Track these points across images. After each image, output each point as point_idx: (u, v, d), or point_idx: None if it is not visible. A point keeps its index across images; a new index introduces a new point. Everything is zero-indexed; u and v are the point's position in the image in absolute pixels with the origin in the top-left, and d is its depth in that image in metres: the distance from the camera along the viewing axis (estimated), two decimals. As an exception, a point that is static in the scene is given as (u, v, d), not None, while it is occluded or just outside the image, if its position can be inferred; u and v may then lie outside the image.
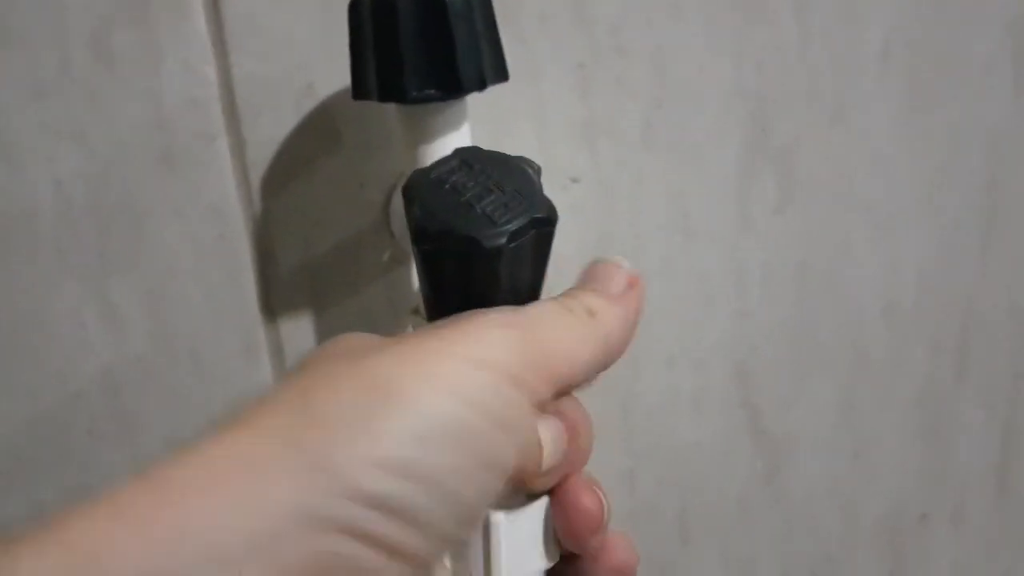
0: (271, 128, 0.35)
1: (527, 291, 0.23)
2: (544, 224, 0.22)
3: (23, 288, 0.36)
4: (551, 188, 0.37)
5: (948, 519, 0.45)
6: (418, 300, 0.35)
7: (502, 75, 0.29)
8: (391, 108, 0.34)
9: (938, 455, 0.44)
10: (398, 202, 0.36)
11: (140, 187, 0.35)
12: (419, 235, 0.22)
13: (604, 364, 0.25)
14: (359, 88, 0.30)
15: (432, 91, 0.28)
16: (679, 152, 0.37)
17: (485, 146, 0.34)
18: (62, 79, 0.33)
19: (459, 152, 0.24)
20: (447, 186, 0.22)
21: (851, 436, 0.43)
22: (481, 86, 0.28)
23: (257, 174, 0.36)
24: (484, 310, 0.22)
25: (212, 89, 0.34)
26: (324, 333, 0.38)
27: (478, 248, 0.21)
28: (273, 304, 0.37)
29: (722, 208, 0.38)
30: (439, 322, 0.23)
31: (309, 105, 0.35)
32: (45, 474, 0.38)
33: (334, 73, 0.34)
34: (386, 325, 0.38)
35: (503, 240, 0.21)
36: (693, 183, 0.37)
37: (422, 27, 0.27)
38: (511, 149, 0.36)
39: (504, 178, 0.23)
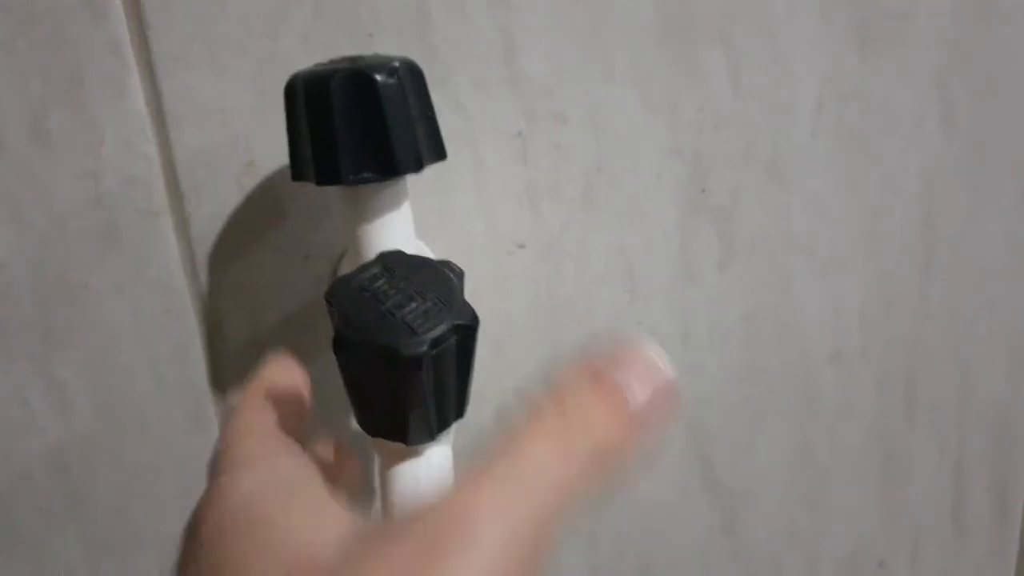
0: (214, 203, 0.35)
1: (453, 396, 0.23)
2: (465, 330, 0.22)
3: (-35, 370, 0.35)
4: (497, 254, 0.37)
5: (906, 564, 0.46)
6: None
7: (439, 154, 0.30)
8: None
9: (893, 497, 0.44)
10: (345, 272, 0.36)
11: (82, 265, 0.35)
12: (339, 344, 0.22)
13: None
14: (297, 170, 0.30)
15: (368, 174, 0.28)
16: (621, 212, 0.37)
17: (428, 217, 0.35)
18: (1, 160, 0.33)
19: (382, 257, 0.24)
20: (368, 294, 0.22)
21: (806, 483, 0.43)
22: (418, 167, 0.29)
23: (202, 249, 0.36)
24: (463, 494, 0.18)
25: (153, 166, 0.34)
26: (275, 402, 0.38)
27: (398, 357, 0.21)
28: (222, 377, 0.37)
29: (666, 265, 0.38)
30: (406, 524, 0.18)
31: (251, 180, 0.35)
32: (-6, 557, 0.38)
33: (274, 148, 0.35)
34: (337, 397, 0.38)
35: (423, 348, 0.21)
36: (636, 242, 0.38)
37: (355, 110, 0.28)
38: (454, 217, 0.36)
39: (426, 285, 0.23)
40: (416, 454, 0.25)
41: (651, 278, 0.38)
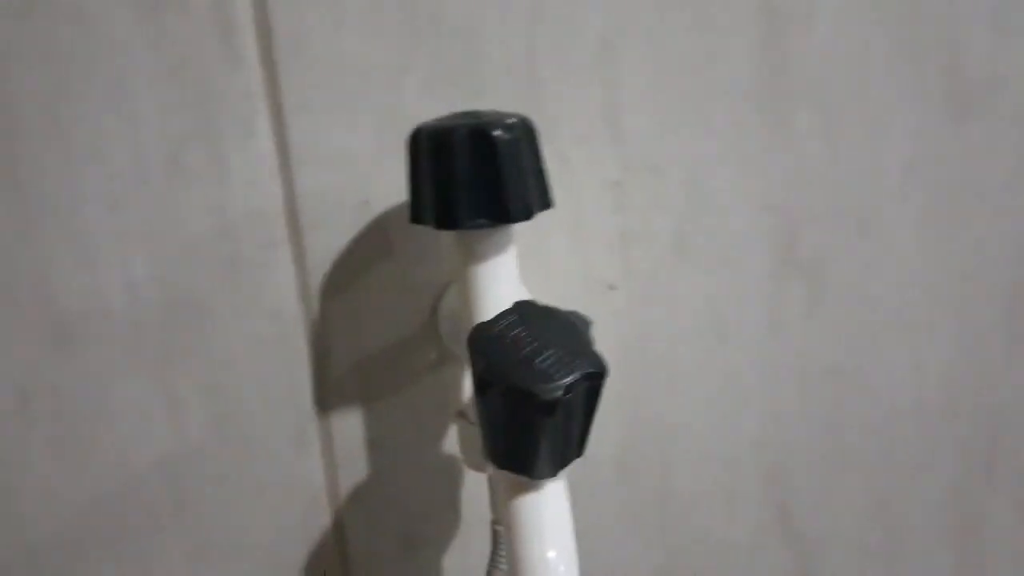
0: (329, 238, 0.38)
1: (577, 436, 0.25)
2: (595, 378, 0.24)
3: (92, 379, 0.38)
4: (591, 294, 0.39)
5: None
6: (463, 404, 0.37)
7: (546, 203, 0.32)
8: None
9: (970, 561, 0.44)
10: (446, 308, 0.38)
11: (206, 289, 0.38)
12: (483, 387, 0.24)
13: None
14: (416, 214, 0.32)
15: (483, 220, 0.30)
16: (711, 261, 0.39)
17: (527, 256, 0.37)
18: (138, 192, 0.36)
19: (518, 306, 0.26)
20: (508, 341, 0.24)
21: (883, 538, 0.43)
22: (528, 216, 0.31)
23: (316, 280, 0.38)
24: None
25: (276, 202, 0.37)
26: (373, 428, 0.40)
27: (535, 401, 0.23)
28: (326, 399, 0.40)
29: (753, 313, 0.40)
30: None
31: (365, 219, 0.37)
32: (103, 558, 0.40)
33: (387, 189, 0.37)
34: (433, 423, 0.40)
35: (558, 393, 0.23)
36: (725, 290, 0.39)
37: (474, 162, 0.30)
38: (551, 257, 0.38)
39: (559, 334, 0.25)
40: (537, 488, 0.27)
41: (739, 327, 0.40)
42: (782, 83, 0.37)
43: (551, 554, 0.25)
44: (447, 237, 0.33)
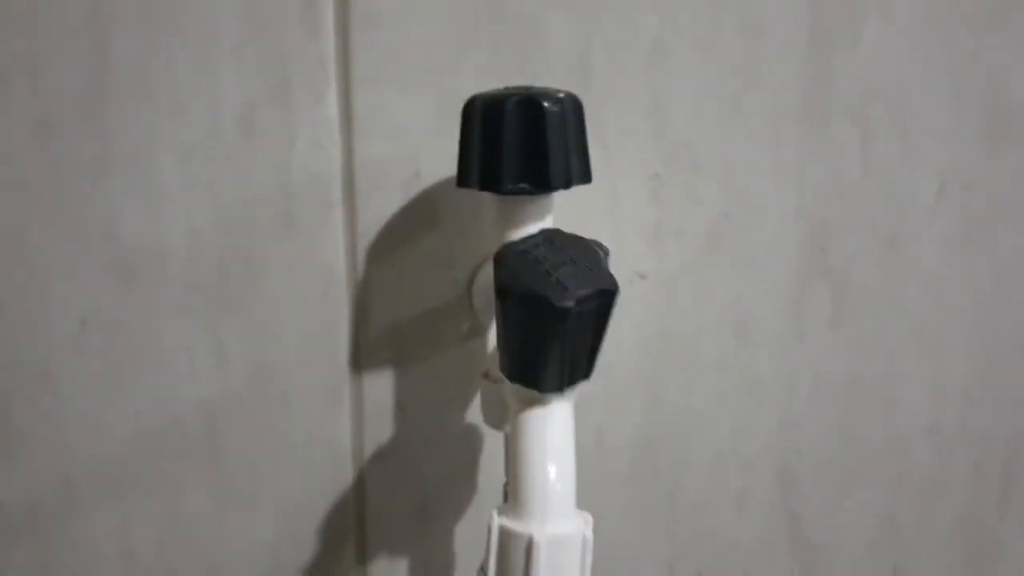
0: (381, 205, 0.40)
1: (585, 356, 0.27)
2: (607, 295, 0.25)
3: (147, 316, 0.41)
4: (620, 281, 0.41)
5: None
6: (489, 365, 0.39)
7: (586, 178, 0.34)
8: (487, 196, 0.39)
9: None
10: (481, 281, 0.40)
11: (262, 242, 0.40)
12: (503, 293, 0.26)
13: None
14: (463, 177, 0.34)
15: (524, 185, 0.32)
16: (740, 261, 0.40)
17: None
18: (209, 146, 0.39)
19: (544, 232, 0.28)
20: (531, 257, 0.26)
21: (891, 551, 0.44)
22: (567, 185, 0.33)
23: (364, 243, 0.40)
24: None
25: (335, 167, 0.40)
26: (401, 392, 0.42)
27: (550, 308, 0.24)
28: (360, 360, 0.42)
29: (778, 317, 0.41)
30: None
31: (415, 189, 0.40)
32: (135, 490, 0.42)
33: (439, 164, 0.39)
34: (458, 392, 0.42)
35: (571, 303, 0.25)
36: (752, 290, 0.41)
37: (522, 129, 0.32)
38: (588, 243, 0.40)
39: (578, 255, 0.26)
40: (544, 403, 0.28)
41: (762, 329, 0.41)
42: (823, 96, 0.39)
43: (551, 468, 0.27)
44: (490, 203, 0.35)
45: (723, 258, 0.40)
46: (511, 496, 0.27)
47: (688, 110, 0.39)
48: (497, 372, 0.36)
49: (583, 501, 0.42)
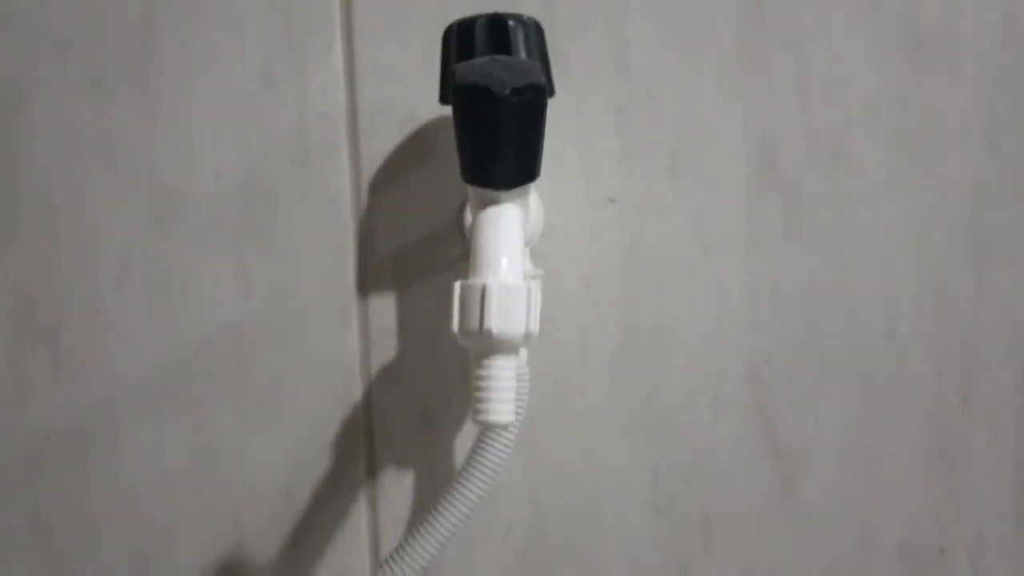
0: (380, 142, 0.46)
1: (530, 153, 0.32)
2: (538, 90, 0.31)
3: (181, 252, 0.47)
4: (593, 207, 0.46)
5: (968, 553, 0.48)
6: (463, 246, 0.44)
7: (552, 90, 0.39)
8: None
9: (951, 483, 0.47)
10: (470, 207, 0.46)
11: (279, 179, 0.46)
12: (455, 92, 0.31)
13: None
14: (445, 95, 0.40)
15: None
16: (699, 179, 0.45)
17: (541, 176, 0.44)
18: (235, 95, 0.46)
19: (491, 56, 0.34)
20: (478, 67, 0.32)
21: (863, 456, 0.47)
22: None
23: (367, 177, 0.46)
24: None
25: (341, 110, 0.46)
26: (403, 310, 0.47)
27: (491, 96, 0.30)
28: (365, 282, 0.47)
29: (734, 228, 0.46)
30: None
31: (410, 128, 0.46)
32: (169, 413, 0.48)
33: (430, 105, 0.45)
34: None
35: (507, 91, 0.30)
36: (711, 206, 0.46)
37: (492, 46, 0.38)
38: (559, 175, 0.46)
39: (521, 67, 0.32)
40: (497, 201, 0.34)
41: (721, 240, 0.46)
42: (761, 30, 0.45)
43: (503, 239, 0.32)
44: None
45: (683, 178, 0.45)
46: (471, 269, 0.33)
47: (645, 49, 0.45)
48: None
49: (570, 406, 0.46)
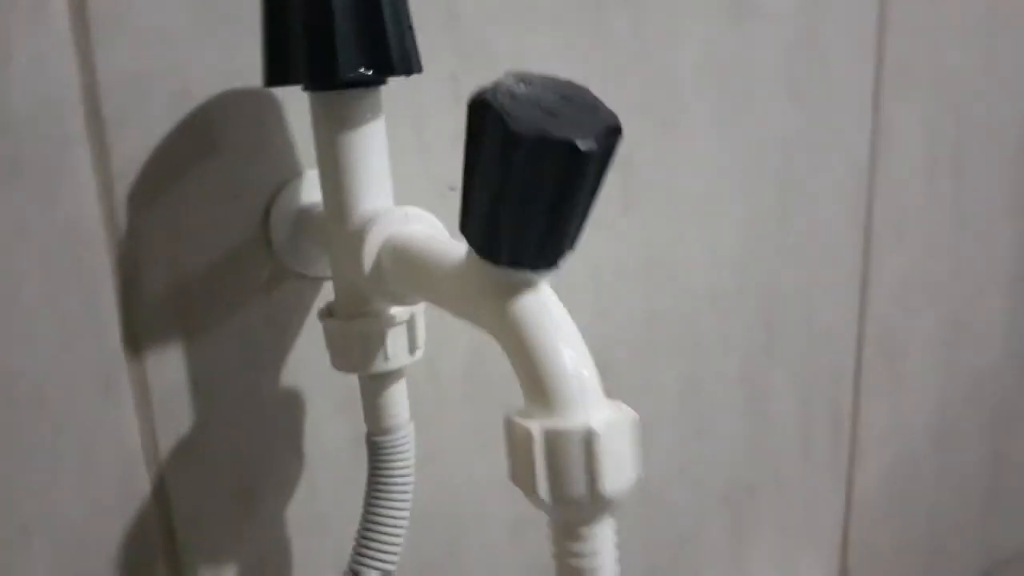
0: (140, 135, 0.32)
1: (580, 215, 0.23)
2: (618, 133, 0.22)
3: None
4: (431, 196, 0.38)
5: (771, 487, 0.51)
6: (328, 300, 0.34)
7: (420, 66, 0.30)
8: (290, 100, 0.33)
9: (760, 427, 0.50)
10: (281, 210, 0.35)
11: (-24, 203, 0.30)
12: (514, 141, 0.21)
13: None
14: (276, 73, 0.29)
15: (365, 71, 0.28)
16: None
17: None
18: None
19: (510, 73, 0.23)
20: (522, 97, 0.22)
21: (696, 417, 0.47)
22: (413, 69, 0.29)
23: (123, 186, 0.32)
24: None
25: (72, 91, 0.31)
26: (196, 365, 0.34)
27: (572, 153, 0.21)
28: (137, 336, 0.33)
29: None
30: None
31: (183, 109, 0.32)
32: None
33: (210, 75, 0.33)
34: (268, 353, 0.36)
35: (593, 144, 0.21)
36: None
37: (354, 6, 0.27)
38: (395, 158, 0.36)
39: (567, 91, 0.23)
40: (533, 286, 0.24)
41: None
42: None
43: (576, 352, 0.23)
44: (316, 105, 0.30)
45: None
46: (534, 397, 0.23)
47: (477, 5, 0.37)
48: (347, 306, 0.32)
49: (423, 436, 0.39)
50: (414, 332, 0.32)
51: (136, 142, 0.32)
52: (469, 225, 0.24)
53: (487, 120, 0.22)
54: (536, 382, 0.23)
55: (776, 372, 0.50)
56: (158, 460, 0.34)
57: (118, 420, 0.33)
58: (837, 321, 0.51)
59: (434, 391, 0.39)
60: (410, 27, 0.30)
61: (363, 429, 0.38)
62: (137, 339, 0.33)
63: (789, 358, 0.50)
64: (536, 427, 0.22)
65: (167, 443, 0.34)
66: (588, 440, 0.22)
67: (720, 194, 0.45)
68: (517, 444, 0.23)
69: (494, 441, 0.41)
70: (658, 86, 0.42)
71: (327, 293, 0.36)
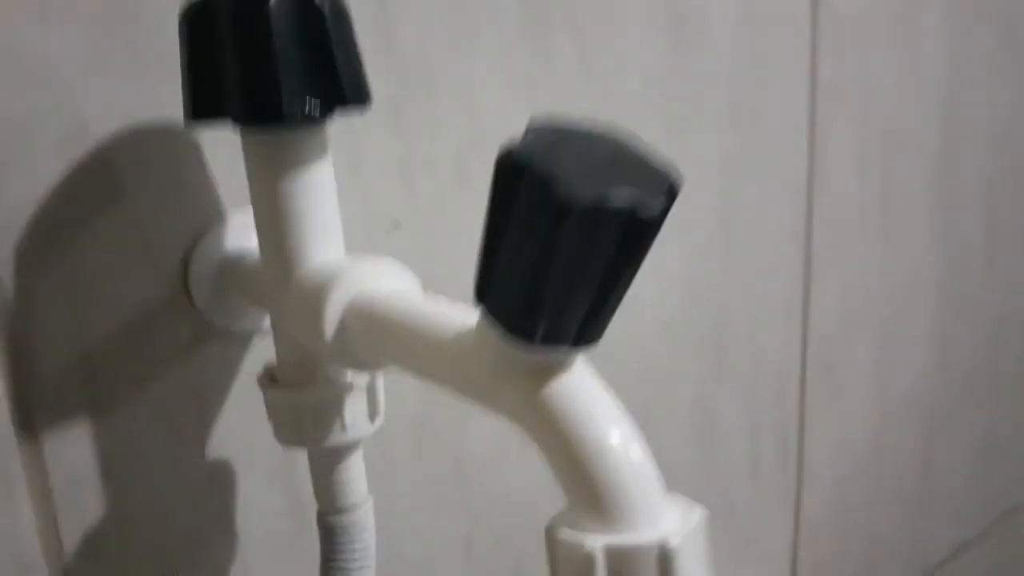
0: (25, 184, 0.27)
1: (620, 290, 0.20)
2: (678, 189, 0.19)
3: None
4: (375, 234, 0.34)
5: (723, 517, 0.49)
6: (270, 364, 0.29)
7: (369, 97, 0.26)
8: (209, 137, 0.28)
9: (711, 456, 0.48)
10: (201, 262, 0.30)
11: None
12: (562, 210, 0.17)
13: None
14: (204, 108, 0.24)
15: (316, 106, 0.24)
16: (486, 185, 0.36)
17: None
18: None
19: (532, 126, 0.19)
20: (562, 155, 0.18)
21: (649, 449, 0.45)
22: (367, 99, 0.25)
23: (7, 243, 0.27)
24: None
25: (-64, 129, 0.25)
26: (105, 447, 0.29)
27: (634, 222, 0.17)
28: (32, 417, 0.28)
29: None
30: None
31: (79, 150, 0.27)
32: None
33: (109, 109, 0.27)
34: (190, 423, 0.31)
35: (656, 210, 0.18)
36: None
37: (298, 35, 0.23)
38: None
39: (612, 143, 0.19)
40: (568, 367, 0.21)
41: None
42: (541, 7, 0.36)
43: (635, 449, 0.20)
44: (248, 144, 0.26)
45: (474, 188, 0.36)
46: (585, 504, 0.19)
47: (415, 23, 0.33)
48: (295, 372, 0.27)
49: (375, 493, 0.35)
50: (375, 397, 0.28)
51: (21, 193, 0.27)
52: (494, 299, 0.20)
53: (524, 183, 0.18)
54: (587, 485, 0.19)
55: (726, 398, 0.48)
56: (62, 561, 0.29)
57: (10, 518, 0.28)
58: (781, 344, 0.50)
59: (381, 450, 0.35)
60: (358, 53, 0.26)
61: (300, 498, 0.34)
62: (32, 419, 0.28)
63: (737, 384, 0.48)
64: (596, 544, 0.19)
65: (72, 539, 0.29)
66: (664, 557, 0.18)
67: (668, 220, 0.43)
68: (567, 564, 0.19)
69: (448, 499, 0.38)
70: (603, 112, 0.39)
71: (258, 350, 0.32)
